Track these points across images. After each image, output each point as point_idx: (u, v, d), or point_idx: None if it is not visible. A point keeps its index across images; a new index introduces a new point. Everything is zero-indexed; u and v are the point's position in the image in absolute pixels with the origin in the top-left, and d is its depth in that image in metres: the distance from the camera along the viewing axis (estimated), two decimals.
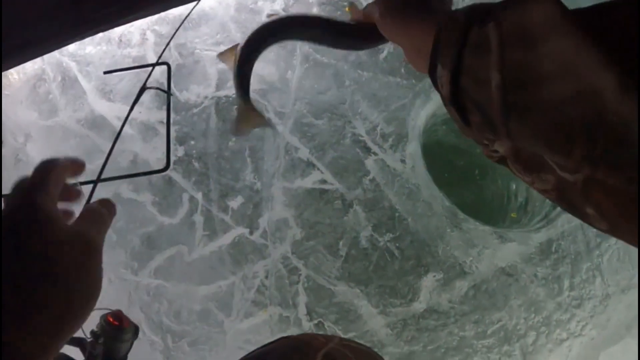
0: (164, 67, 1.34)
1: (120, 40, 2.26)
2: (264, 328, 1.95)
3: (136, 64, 2.16)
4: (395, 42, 0.54)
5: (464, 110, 0.39)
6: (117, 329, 1.05)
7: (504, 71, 0.34)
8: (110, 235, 2.03)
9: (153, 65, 2.20)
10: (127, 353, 1.10)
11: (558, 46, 0.31)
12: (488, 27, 0.36)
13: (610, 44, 0.30)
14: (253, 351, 0.65)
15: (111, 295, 2.06)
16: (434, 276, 1.93)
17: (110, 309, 1.15)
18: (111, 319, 1.06)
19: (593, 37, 0.30)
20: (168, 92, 1.56)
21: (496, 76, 0.34)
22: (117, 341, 1.05)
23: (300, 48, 2.02)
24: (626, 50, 0.30)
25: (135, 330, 1.13)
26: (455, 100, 0.39)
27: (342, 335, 1.91)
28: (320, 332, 1.90)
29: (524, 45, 0.33)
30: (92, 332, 1.05)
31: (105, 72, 1.95)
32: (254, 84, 1.45)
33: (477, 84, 0.36)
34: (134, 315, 2.03)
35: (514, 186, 2.26)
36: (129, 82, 2.16)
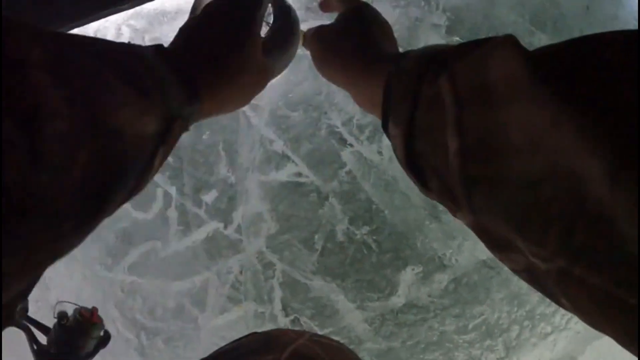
0: None
1: (96, 35, 2.23)
2: (239, 324, 1.91)
3: None
4: (339, 86, 0.47)
5: (422, 174, 0.34)
6: (86, 322, 1.04)
7: (463, 135, 0.28)
8: None
9: None
10: (91, 356, 1.07)
11: (524, 114, 0.24)
12: (440, 81, 0.30)
13: (596, 108, 0.22)
14: (222, 347, 0.63)
15: (86, 292, 2.03)
16: (413, 269, 1.89)
17: (73, 303, 1.14)
18: (84, 313, 1.05)
19: (570, 101, 0.23)
20: None
21: (454, 141, 0.28)
22: (81, 334, 1.03)
23: None
24: (619, 119, 0.21)
25: (105, 335, 1.10)
26: (411, 163, 0.34)
27: (319, 332, 1.87)
28: (297, 328, 1.86)
29: (484, 106, 0.27)
30: (60, 313, 1.05)
31: None
32: None
33: (433, 148, 0.31)
34: (109, 312, 2.00)
35: None
36: None
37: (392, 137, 0.36)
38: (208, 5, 0.40)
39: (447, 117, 0.29)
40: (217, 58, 0.39)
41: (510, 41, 0.27)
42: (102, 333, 1.08)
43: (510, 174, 0.25)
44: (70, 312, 1.06)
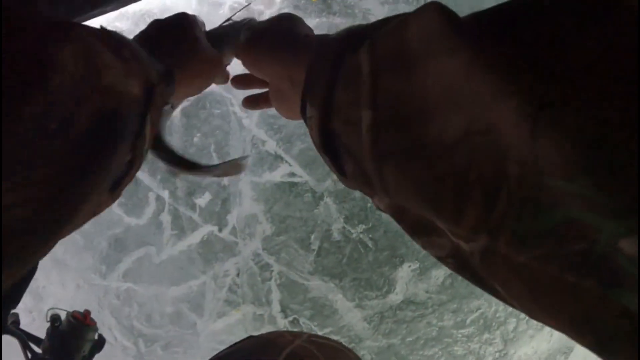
0: None
1: None
2: (237, 328, 1.90)
3: None
4: (262, 77, 0.47)
5: (338, 157, 0.31)
6: (79, 325, 1.03)
7: (376, 107, 0.26)
8: (77, 240, 1.96)
9: None
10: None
11: (441, 69, 0.22)
12: (360, 52, 0.28)
13: (512, 46, 0.20)
14: (219, 352, 0.62)
15: (80, 301, 2.00)
16: (410, 266, 1.89)
17: (63, 309, 1.13)
18: (77, 315, 1.05)
19: (491, 53, 0.21)
20: None
21: (367, 115, 0.26)
22: (75, 337, 1.03)
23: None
24: (536, 53, 0.19)
25: (100, 338, 1.09)
26: (327, 146, 0.32)
27: (318, 332, 1.87)
28: (296, 330, 1.86)
29: (399, 70, 0.25)
30: (52, 316, 1.04)
31: None
32: None
33: (347, 126, 0.29)
34: (105, 320, 1.97)
35: None
36: None
37: (309, 119, 0.33)
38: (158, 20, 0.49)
39: (362, 90, 0.27)
40: (174, 48, 0.45)
41: (434, 6, 0.24)
42: (96, 336, 1.07)
43: (425, 141, 0.23)
44: (63, 315, 1.05)
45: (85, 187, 0.28)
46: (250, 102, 0.56)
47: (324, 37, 0.38)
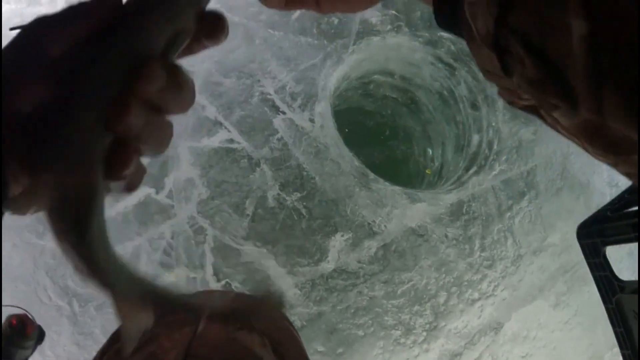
0: None
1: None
2: None
3: None
4: None
5: (506, 54, 0.28)
6: (18, 334, 0.99)
7: (592, 18, 0.22)
8: None
9: None
10: (27, 357, 1.03)
11: None
12: None
13: None
14: None
15: (15, 260, 2.00)
16: (342, 236, 1.93)
17: (20, 308, 1.08)
18: (14, 322, 1.00)
19: None
20: None
21: (580, 25, 0.23)
22: (15, 346, 0.99)
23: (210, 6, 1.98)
24: None
25: (40, 335, 1.06)
26: (498, 41, 0.27)
27: None
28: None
29: None
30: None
31: (11, 29, 1.88)
32: None
33: (543, 26, 0.25)
34: (40, 279, 1.98)
35: (430, 151, 2.28)
36: None
37: (470, 4, 0.29)
38: None
39: None
40: None
41: None
42: (37, 335, 1.03)
43: None
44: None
45: None
46: None
47: None
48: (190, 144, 1.89)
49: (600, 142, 0.26)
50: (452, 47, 2.25)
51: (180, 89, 0.27)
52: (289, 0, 0.40)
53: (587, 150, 0.27)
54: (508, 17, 0.26)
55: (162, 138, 0.29)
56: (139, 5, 0.26)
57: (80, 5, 0.27)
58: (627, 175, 0.27)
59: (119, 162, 0.25)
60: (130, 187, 0.27)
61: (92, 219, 0.24)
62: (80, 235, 0.24)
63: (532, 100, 0.29)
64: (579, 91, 0.24)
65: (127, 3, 0.27)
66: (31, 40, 0.26)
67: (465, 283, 2.11)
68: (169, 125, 0.29)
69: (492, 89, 2.26)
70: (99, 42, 0.25)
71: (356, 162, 1.95)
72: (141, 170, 0.28)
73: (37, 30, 0.26)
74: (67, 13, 0.27)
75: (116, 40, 0.25)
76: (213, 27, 0.31)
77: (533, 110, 0.30)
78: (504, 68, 0.28)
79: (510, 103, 0.32)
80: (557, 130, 0.29)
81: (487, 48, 0.28)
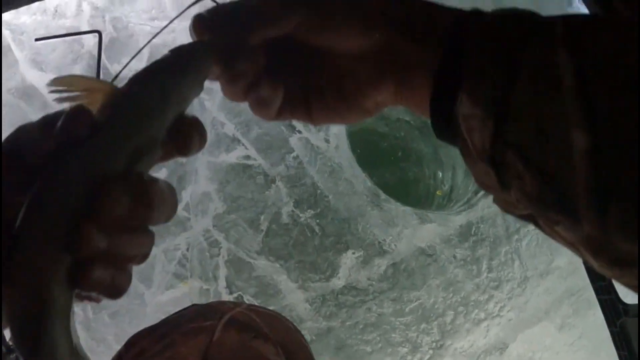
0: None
1: (56, 11, 2.25)
2: (184, 300, 1.96)
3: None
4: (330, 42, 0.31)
5: (504, 169, 0.27)
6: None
7: (595, 132, 0.22)
8: None
9: (84, 33, 2.18)
10: None
11: None
12: (558, 50, 0.23)
13: None
14: (166, 317, 0.69)
15: None
16: (354, 253, 1.97)
17: None
18: None
19: None
20: (98, 61, 1.56)
21: (581, 137, 0.22)
22: None
23: None
24: None
25: None
26: (494, 155, 0.26)
27: None
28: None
29: (626, 86, 0.21)
30: (8, 346, 1.01)
31: (36, 40, 1.95)
32: None
33: (542, 140, 0.24)
34: None
35: (440, 174, 2.32)
36: (61, 52, 2.15)
37: (464, 116, 0.27)
38: None
39: (568, 101, 0.22)
40: None
41: None
42: None
43: None
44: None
45: None
46: (264, 106, 0.33)
47: (471, 15, 0.29)
48: (208, 159, 1.94)
49: (606, 257, 0.25)
50: None
51: (149, 206, 0.24)
52: (279, 113, 0.33)
53: (588, 262, 0.26)
54: (505, 130, 0.25)
55: (137, 251, 0.26)
56: (98, 124, 0.25)
57: (53, 116, 0.25)
58: (633, 288, 0.26)
59: (82, 281, 0.23)
60: (112, 295, 0.25)
61: (45, 336, 0.23)
62: (32, 352, 0.24)
63: (530, 209, 0.28)
64: (581, 207, 0.23)
65: (95, 121, 0.25)
66: (13, 150, 0.25)
67: (472, 303, 2.15)
68: (148, 239, 0.26)
69: None
70: (56, 162, 0.24)
71: (369, 182, 1.99)
72: (124, 279, 0.25)
73: (17, 140, 0.26)
74: (42, 123, 0.25)
75: (70, 161, 0.24)
76: (186, 139, 0.27)
77: (530, 218, 0.29)
78: (502, 183, 0.27)
79: (507, 211, 0.30)
80: (556, 240, 0.28)
81: (484, 162, 0.27)
